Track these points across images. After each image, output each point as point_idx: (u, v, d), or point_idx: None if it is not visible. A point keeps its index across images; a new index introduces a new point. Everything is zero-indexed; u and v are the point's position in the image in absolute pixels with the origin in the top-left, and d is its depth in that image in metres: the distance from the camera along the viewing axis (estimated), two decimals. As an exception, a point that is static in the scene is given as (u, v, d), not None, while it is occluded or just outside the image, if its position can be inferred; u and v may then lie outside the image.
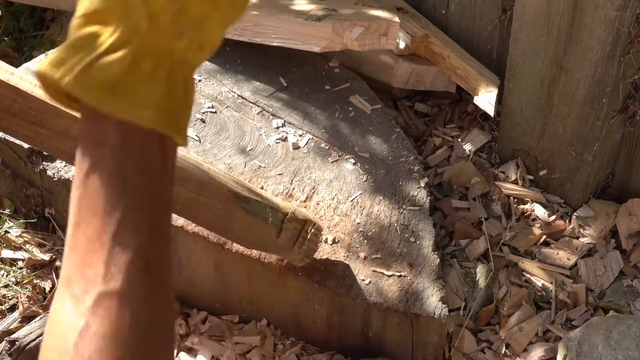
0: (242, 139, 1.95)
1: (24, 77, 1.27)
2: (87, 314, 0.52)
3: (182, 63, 0.56)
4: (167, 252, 0.58)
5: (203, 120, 1.99)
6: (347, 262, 1.71)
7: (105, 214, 0.54)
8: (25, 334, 1.83)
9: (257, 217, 1.52)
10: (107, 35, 0.53)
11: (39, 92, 1.28)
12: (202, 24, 0.56)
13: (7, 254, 2.06)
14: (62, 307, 0.54)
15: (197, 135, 1.94)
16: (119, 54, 0.53)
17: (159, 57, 0.54)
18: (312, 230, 1.58)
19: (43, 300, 1.96)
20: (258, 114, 2.03)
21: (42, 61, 0.57)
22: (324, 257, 1.71)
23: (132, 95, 0.53)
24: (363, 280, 1.68)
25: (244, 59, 2.19)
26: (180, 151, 1.51)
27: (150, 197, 0.56)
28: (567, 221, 2.09)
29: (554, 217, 2.09)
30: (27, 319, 1.89)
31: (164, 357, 0.57)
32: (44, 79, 0.54)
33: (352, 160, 1.93)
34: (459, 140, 2.30)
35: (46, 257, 2.05)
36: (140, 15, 0.53)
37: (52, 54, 0.54)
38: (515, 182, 2.18)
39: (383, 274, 1.70)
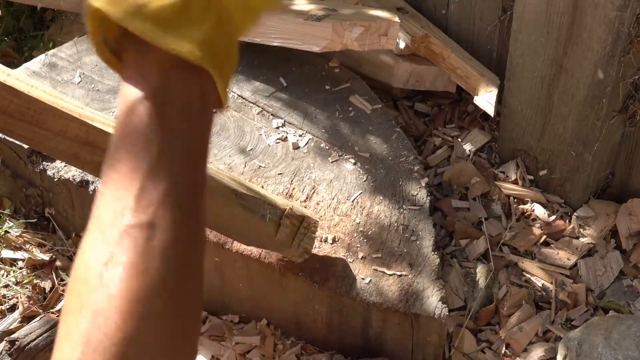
0: (242, 139, 1.95)
1: (21, 78, 1.28)
2: (113, 245, 0.53)
3: (229, 20, 0.60)
4: (202, 192, 0.59)
5: (203, 120, 1.99)
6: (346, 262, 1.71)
7: (140, 150, 0.55)
8: (25, 334, 1.83)
9: (255, 214, 1.52)
10: None
11: (36, 93, 1.29)
12: None
13: (7, 254, 2.06)
14: (90, 243, 0.54)
15: (197, 135, 1.94)
16: None
17: (209, 2, 0.58)
18: (310, 226, 1.60)
19: (43, 300, 1.96)
20: (258, 114, 2.03)
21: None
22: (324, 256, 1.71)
23: (181, 30, 0.57)
24: (363, 279, 1.68)
25: (244, 59, 2.19)
26: None
27: (187, 137, 0.57)
28: (567, 221, 2.09)
29: (554, 217, 2.09)
30: (27, 319, 1.89)
31: (191, 289, 0.56)
32: (95, 14, 0.57)
33: (352, 160, 1.93)
34: (459, 140, 2.30)
35: (46, 257, 2.05)
36: None
37: None
38: (515, 182, 2.18)
39: (384, 272, 1.70)
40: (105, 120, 1.39)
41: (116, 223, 0.53)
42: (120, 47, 0.59)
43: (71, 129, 1.34)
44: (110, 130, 1.38)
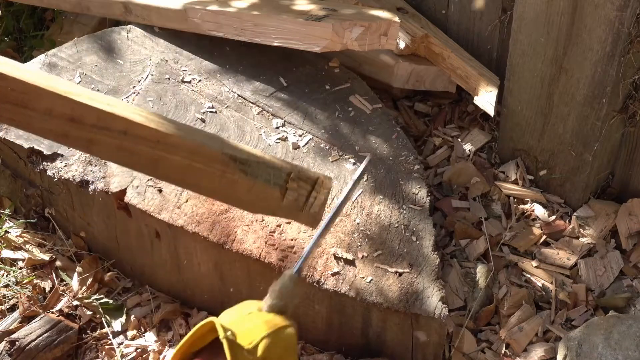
0: (242, 139, 1.95)
1: (3, 61, 1.28)
2: None
3: None
4: None
5: (203, 120, 1.99)
6: (347, 262, 1.71)
7: None
8: (25, 334, 1.83)
9: (258, 179, 1.43)
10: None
11: (18, 74, 1.29)
12: None
13: (7, 254, 2.06)
14: None
15: (197, 135, 1.94)
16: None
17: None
18: (321, 189, 1.47)
19: (43, 300, 1.96)
20: (258, 114, 2.03)
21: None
22: (325, 257, 1.71)
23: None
24: (363, 278, 1.68)
25: (244, 59, 2.19)
26: (164, 119, 1.48)
27: None
28: (567, 221, 2.09)
29: (554, 217, 2.09)
30: (27, 319, 1.89)
31: None
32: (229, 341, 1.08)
33: (352, 160, 1.93)
34: (459, 140, 2.30)
35: (46, 257, 2.05)
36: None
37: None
38: (515, 182, 2.18)
39: (386, 270, 1.70)
40: (92, 95, 1.38)
41: None
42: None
43: (57, 107, 1.34)
44: (97, 104, 1.37)
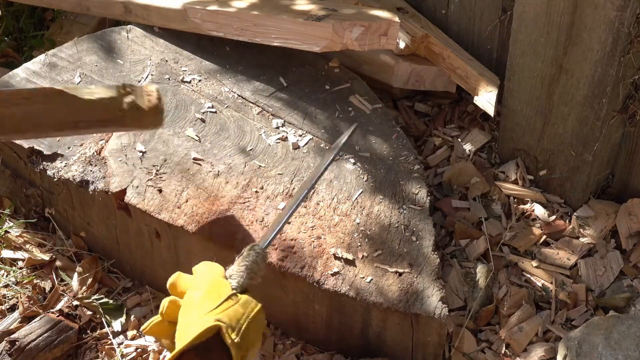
0: (242, 139, 1.95)
1: None
2: None
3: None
4: None
5: (203, 120, 1.99)
6: (347, 262, 1.71)
7: None
8: (25, 334, 1.83)
9: (96, 95, 1.50)
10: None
11: None
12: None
13: (7, 254, 2.06)
14: None
15: (197, 135, 1.94)
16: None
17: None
18: (152, 92, 1.56)
19: (43, 300, 1.96)
20: (258, 114, 2.03)
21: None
22: (325, 258, 1.71)
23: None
24: (363, 278, 1.68)
25: (244, 59, 2.19)
26: None
27: None
28: (567, 221, 2.09)
29: (554, 217, 2.09)
30: (27, 319, 1.89)
31: None
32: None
33: (352, 160, 1.93)
34: (459, 140, 2.30)
35: (46, 257, 2.05)
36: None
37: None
38: (515, 182, 2.18)
39: (386, 270, 1.70)
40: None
41: None
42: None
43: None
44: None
